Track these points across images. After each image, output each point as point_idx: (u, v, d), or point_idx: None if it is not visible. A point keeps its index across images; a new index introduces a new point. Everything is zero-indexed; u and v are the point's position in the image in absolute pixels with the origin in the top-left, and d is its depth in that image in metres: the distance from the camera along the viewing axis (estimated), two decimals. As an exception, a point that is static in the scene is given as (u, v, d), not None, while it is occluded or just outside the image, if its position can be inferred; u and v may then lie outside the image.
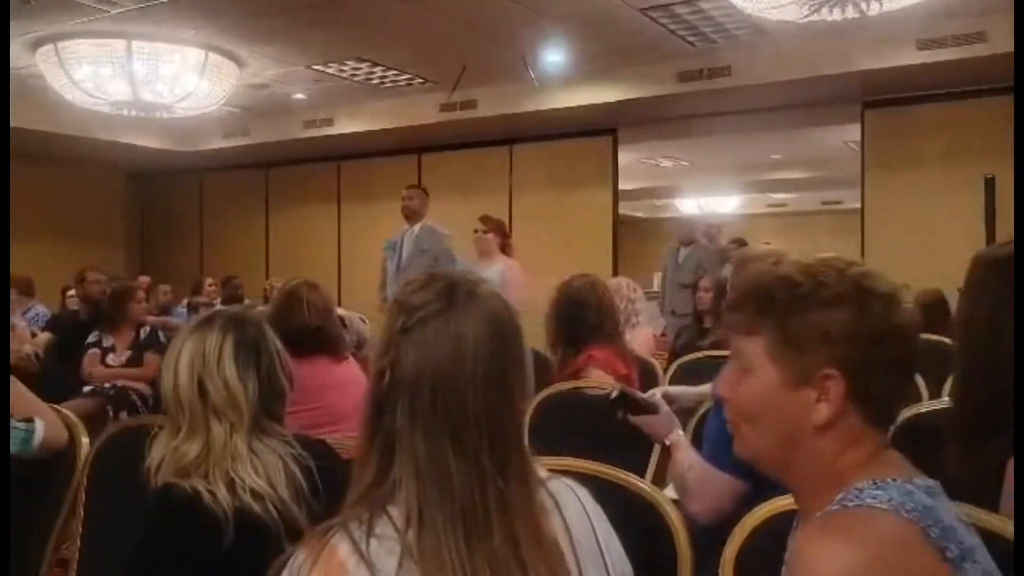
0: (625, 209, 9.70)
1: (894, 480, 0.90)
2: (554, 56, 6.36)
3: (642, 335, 4.01)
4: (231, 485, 1.41)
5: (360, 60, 6.55)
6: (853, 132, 7.15)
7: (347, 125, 8.16)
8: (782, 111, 7.18)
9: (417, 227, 5.47)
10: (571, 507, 1.00)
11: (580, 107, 7.09)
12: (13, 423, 1.95)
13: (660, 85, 6.65)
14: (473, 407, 0.92)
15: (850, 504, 0.89)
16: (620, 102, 6.93)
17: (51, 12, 5.31)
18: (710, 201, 14.19)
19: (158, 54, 5.98)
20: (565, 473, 1.10)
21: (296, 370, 1.66)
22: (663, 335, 5.88)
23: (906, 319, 0.96)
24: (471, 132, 8.02)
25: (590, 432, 2.12)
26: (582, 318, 2.91)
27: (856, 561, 0.82)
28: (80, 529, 2.01)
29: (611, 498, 1.07)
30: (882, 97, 6.60)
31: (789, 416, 0.95)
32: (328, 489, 1.42)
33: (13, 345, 2.04)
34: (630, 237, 9.56)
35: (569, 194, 8.21)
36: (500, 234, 5.15)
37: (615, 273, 7.63)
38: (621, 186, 8.30)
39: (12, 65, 6.39)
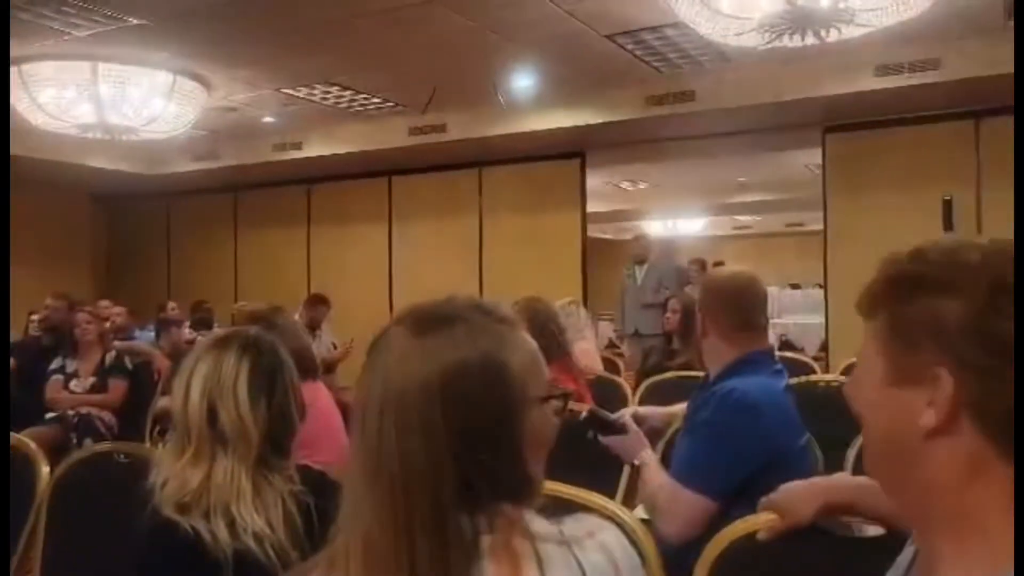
0: (594, 231, 9.79)
1: None
2: (523, 80, 6.43)
3: (582, 350, 4.19)
4: (232, 525, 1.37)
5: (330, 84, 6.57)
6: (815, 156, 7.30)
7: (317, 148, 8.16)
8: (746, 135, 7.31)
9: None
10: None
11: (549, 130, 7.17)
12: None
13: (628, 109, 6.75)
14: (377, 442, 0.84)
15: None
16: (588, 126, 7.02)
17: (16, 35, 5.26)
18: (677, 223, 14.38)
19: (126, 77, 5.94)
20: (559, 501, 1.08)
21: None
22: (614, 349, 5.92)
23: None
24: (441, 155, 8.06)
25: (558, 453, 2.13)
26: (541, 342, 3.02)
27: None
28: (39, 559, 1.98)
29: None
30: (843, 122, 6.75)
31: (891, 418, 0.81)
32: (323, 528, 1.40)
33: None
34: (599, 259, 9.64)
35: (539, 216, 8.26)
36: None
37: (585, 293, 7.70)
38: (589, 208, 8.37)
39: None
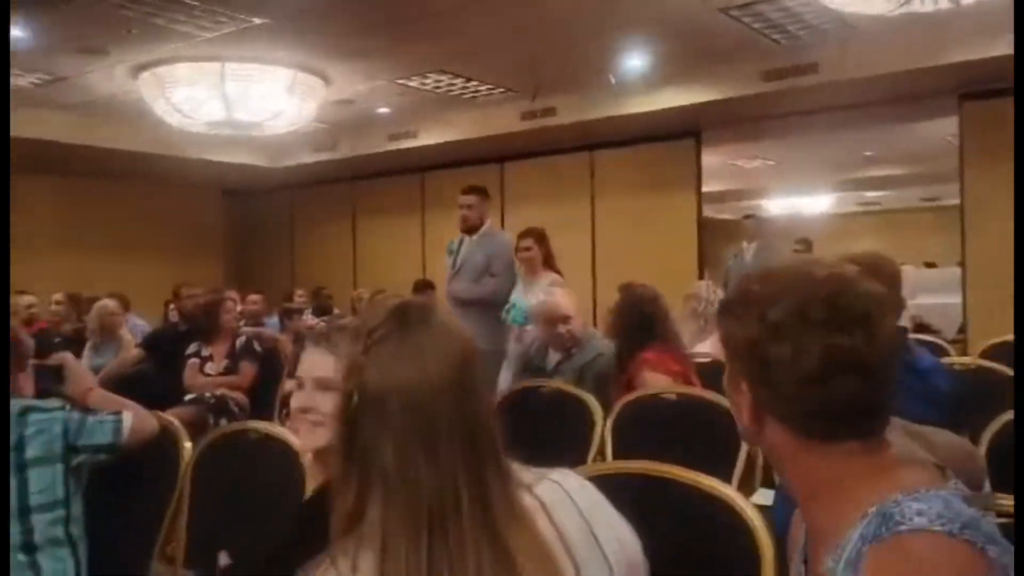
0: (710, 212, 9.55)
1: (928, 491, 0.89)
2: (634, 60, 6.33)
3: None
4: None
5: (442, 72, 6.67)
6: (950, 125, 6.86)
7: (430, 137, 8.30)
8: (874, 107, 6.94)
9: (476, 236, 4.90)
10: (560, 507, 1.00)
11: (661, 110, 7.03)
12: (103, 415, 2.19)
13: (744, 85, 6.54)
14: (446, 418, 0.94)
15: (903, 529, 0.86)
16: (703, 103, 6.84)
17: (151, 39, 5.59)
18: (799, 201, 13.83)
19: (250, 75, 6.22)
20: (643, 478, 1.09)
21: None
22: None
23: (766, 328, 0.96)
24: (552, 139, 8.05)
25: (672, 437, 2.10)
26: (635, 321, 3.12)
27: None
28: (186, 528, 2.11)
29: (693, 503, 1.05)
30: (980, 88, 6.31)
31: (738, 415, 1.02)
32: None
33: (74, 388, 2.36)
34: (717, 240, 9.40)
35: (652, 198, 8.14)
36: (544, 247, 4.74)
37: (700, 276, 7.53)
38: (706, 188, 8.17)
39: (117, 90, 6.77)
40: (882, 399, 0.96)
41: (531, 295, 4.32)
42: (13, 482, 2.02)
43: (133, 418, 2.24)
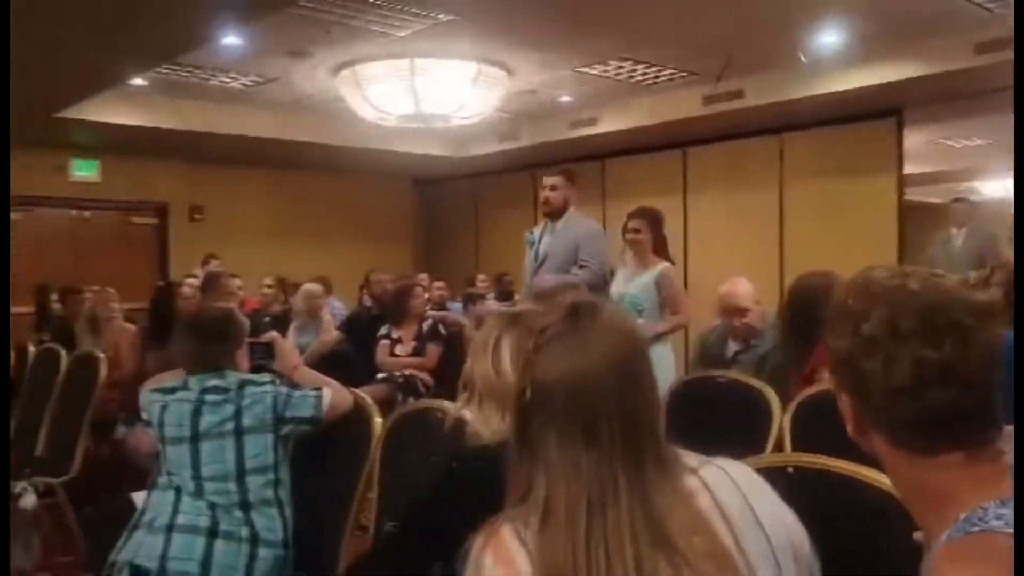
0: (916, 195, 8.87)
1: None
2: (829, 37, 5.99)
3: None
4: None
5: (623, 59, 6.63)
6: None
7: (611, 124, 8.28)
8: (1110, 76, 6.17)
9: (560, 223, 4.45)
10: (723, 487, 1.04)
11: (859, 89, 6.61)
12: (307, 391, 2.44)
13: (954, 59, 6.01)
14: (605, 403, 1.00)
15: (974, 530, 0.87)
16: (906, 80, 6.36)
17: (348, 40, 5.97)
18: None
19: (437, 69, 6.49)
20: (826, 474, 1.07)
21: None
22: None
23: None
24: (737, 123, 7.79)
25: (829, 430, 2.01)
26: (814, 313, 2.79)
27: None
28: (376, 498, 2.27)
29: (876, 505, 1.02)
30: None
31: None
32: None
33: (282, 364, 2.63)
34: (921, 226, 8.73)
35: (847, 183, 7.69)
36: (655, 231, 4.23)
37: (901, 265, 7.02)
38: (908, 170, 7.61)
39: (317, 89, 7.28)
40: (983, 409, 0.95)
41: (637, 285, 4.09)
42: (232, 446, 2.27)
43: (332, 394, 2.44)
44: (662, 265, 4.12)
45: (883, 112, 7.31)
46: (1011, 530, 0.84)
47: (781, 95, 7.00)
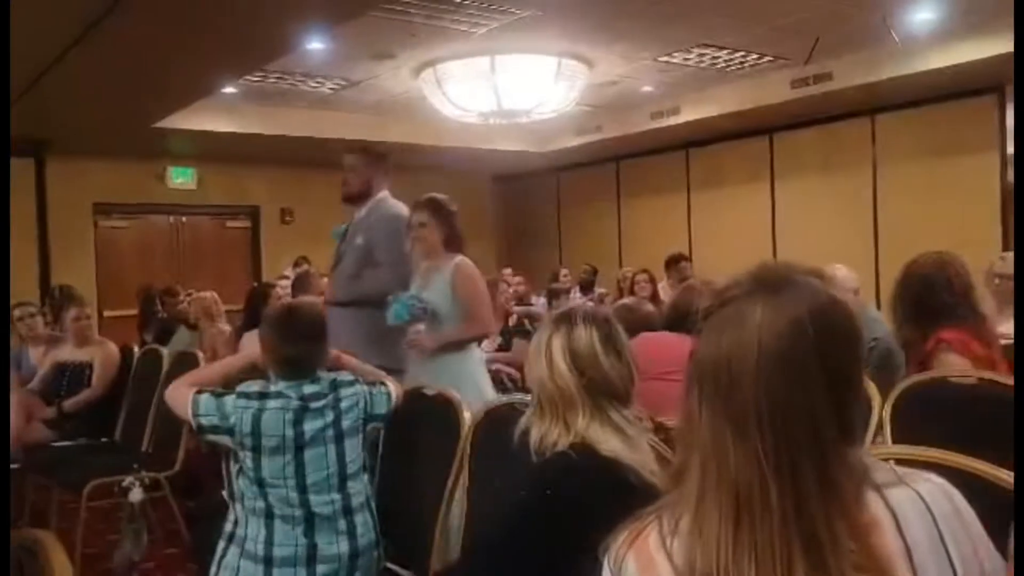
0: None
1: None
2: (923, 13, 5.73)
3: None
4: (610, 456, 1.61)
5: (705, 46, 6.50)
6: None
7: (693, 112, 8.14)
8: None
9: (362, 212, 3.73)
10: (914, 517, 0.88)
11: (956, 65, 6.31)
12: (378, 387, 2.39)
13: (1060, 28, 5.67)
14: (754, 397, 0.87)
15: None
16: (1008, 54, 6.02)
17: (431, 40, 6.04)
18: None
19: (518, 66, 6.50)
20: (929, 467, 1.01)
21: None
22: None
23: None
24: (827, 106, 7.54)
25: (964, 426, 1.91)
26: (930, 298, 2.64)
27: None
28: (466, 492, 2.29)
29: (981, 496, 0.96)
30: None
31: None
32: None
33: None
34: (1025, 208, 8.28)
35: (944, 164, 7.35)
36: (445, 223, 3.36)
37: (1004, 248, 6.68)
38: (1011, 150, 7.21)
39: (400, 89, 7.39)
40: None
41: (433, 290, 3.21)
42: (333, 452, 2.20)
43: (396, 386, 2.44)
44: (455, 261, 3.29)
45: (983, 89, 6.96)
46: None
47: (872, 76, 6.74)
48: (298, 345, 2.23)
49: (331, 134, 8.36)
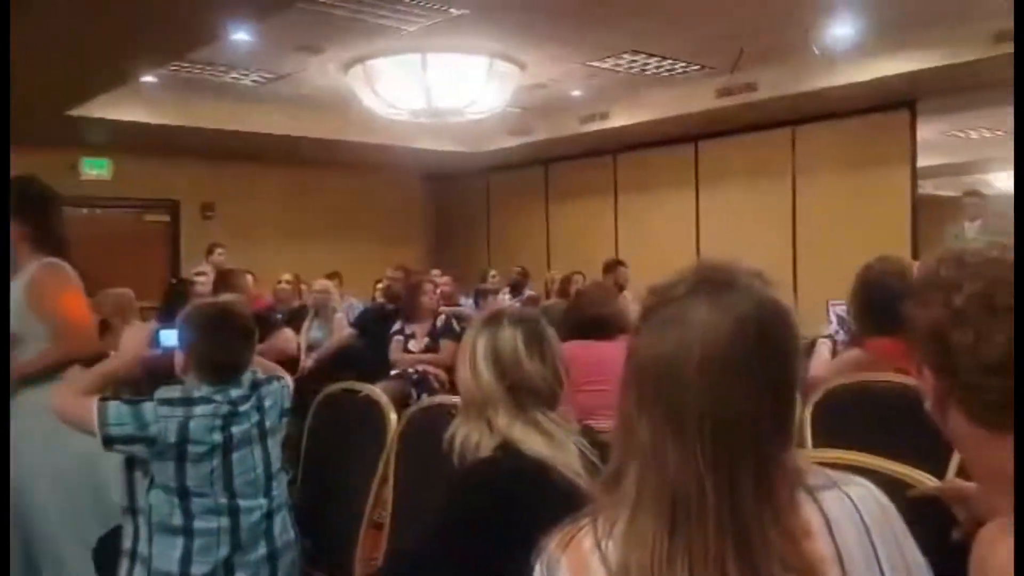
0: (928, 188, 8.80)
1: None
2: (843, 28, 5.93)
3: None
4: (538, 458, 1.57)
5: (635, 53, 6.59)
6: None
7: (623, 118, 8.25)
8: None
9: None
10: (845, 522, 0.89)
11: (873, 80, 6.55)
12: (282, 382, 2.28)
13: (971, 48, 5.94)
14: (693, 401, 0.86)
15: None
16: (920, 71, 6.30)
17: (360, 36, 5.95)
18: (1034, 175, 12.45)
19: (449, 65, 6.46)
20: (850, 469, 1.02)
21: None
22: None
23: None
24: (750, 116, 7.74)
25: (883, 429, 1.97)
26: (872, 305, 2.67)
27: None
28: (391, 496, 2.25)
29: (898, 497, 0.99)
30: None
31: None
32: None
33: (279, 344, 2.37)
34: (934, 219, 8.65)
35: (860, 175, 7.63)
36: (33, 217, 2.68)
37: (914, 259, 6.96)
38: (923, 163, 7.54)
39: (329, 85, 7.27)
40: None
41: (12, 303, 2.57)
42: (259, 453, 2.12)
43: (289, 378, 2.36)
44: (34, 267, 2.64)
45: (897, 103, 7.25)
46: None
47: (794, 87, 6.95)
48: (233, 348, 2.13)
49: (256, 128, 8.17)
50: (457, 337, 5.42)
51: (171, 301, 4.89)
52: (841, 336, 3.39)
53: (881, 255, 2.73)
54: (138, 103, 7.42)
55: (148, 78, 6.81)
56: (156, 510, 2.05)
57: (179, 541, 2.03)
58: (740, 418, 0.87)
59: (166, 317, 4.83)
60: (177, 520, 2.04)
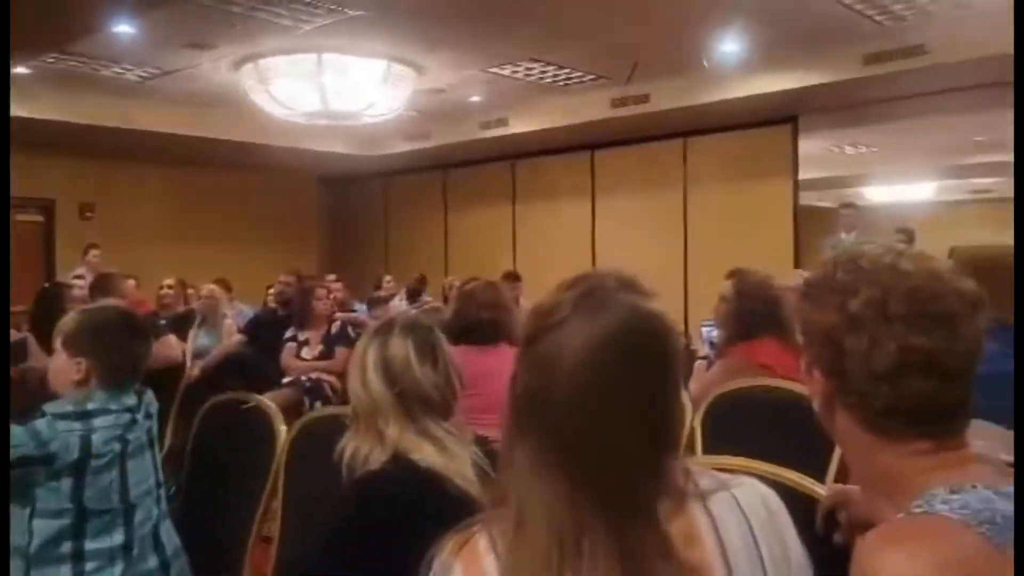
0: (810, 200, 9.23)
1: (975, 487, 0.85)
2: (730, 44, 6.16)
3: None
4: (430, 469, 1.55)
5: (533, 60, 6.66)
6: (1073, 108, 6.42)
7: (521, 124, 8.32)
8: (987, 89, 6.56)
9: None
10: (731, 523, 0.91)
11: (758, 95, 6.84)
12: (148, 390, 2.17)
13: (845, 69, 6.29)
14: (564, 426, 0.87)
15: (916, 511, 0.85)
16: (801, 88, 6.62)
17: (254, 33, 5.78)
18: (902, 188, 13.27)
19: (345, 66, 6.36)
20: (733, 473, 1.04)
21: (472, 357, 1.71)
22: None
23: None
24: (644, 126, 7.94)
25: (767, 431, 2.04)
26: (748, 312, 2.80)
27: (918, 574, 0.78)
28: (280, 509, 2.18)
29: (785, 501, 1.01)
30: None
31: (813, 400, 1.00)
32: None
33: (163, 351, 2.26)
34: (813, 229, 9.10)
35: (747, 186, 7.94)
36: None
37: (796, 266, 7.31)
38: (804, 176, 7.91)
39: (221, 82, 7.03)
40: (960, 401, 0.91)
41: None
42: (148, 460, 2.05)
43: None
44: None
45: (780, 119, 7.59)
46: (954, 515, 0.82)
47: (685, 100, 7.17)
48: (138, 354, 2.09)
49: (141, 125, 7.81)
50: (352, 344, 5.32)
51: (43, 306, 4.60)
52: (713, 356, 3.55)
53: (739, 267, 2.96)
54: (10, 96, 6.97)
55: (20, 69, 6.41)
56: (39, 541, 1.89)
57: (65, 569, 1.90)
58: (612, 440, 0.87)
59: (37, 324, 4.55)
60: (65, 548, 1.90)
